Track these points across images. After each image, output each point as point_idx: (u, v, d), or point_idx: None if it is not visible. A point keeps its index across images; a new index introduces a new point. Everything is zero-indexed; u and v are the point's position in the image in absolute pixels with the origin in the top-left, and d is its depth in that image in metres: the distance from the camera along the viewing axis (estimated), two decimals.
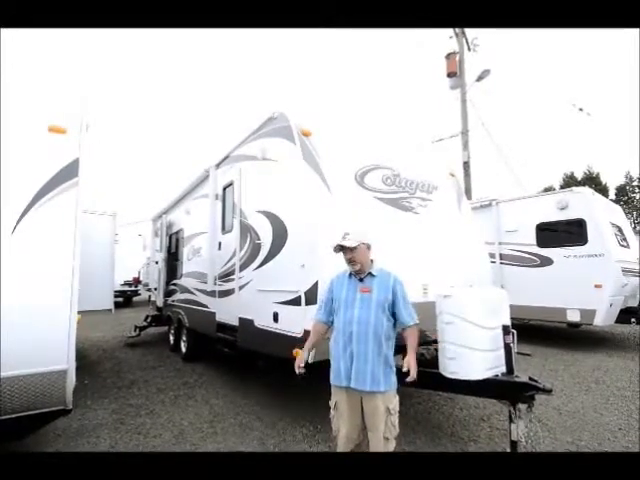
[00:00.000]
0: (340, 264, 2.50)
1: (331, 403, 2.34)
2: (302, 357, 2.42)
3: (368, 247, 2.37)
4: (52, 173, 2.66)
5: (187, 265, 6.55)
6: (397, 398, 2.27)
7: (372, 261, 2.39)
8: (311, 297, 3.02)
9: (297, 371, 2.39)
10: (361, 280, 2.33)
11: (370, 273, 2.33)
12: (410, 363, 2.21)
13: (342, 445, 2.27)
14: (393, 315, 2.28)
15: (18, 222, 2.51)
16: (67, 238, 2.65)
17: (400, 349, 2.40)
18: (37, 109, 2.78)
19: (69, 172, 2.71)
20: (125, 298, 14.99)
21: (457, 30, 11.64)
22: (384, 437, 2.16)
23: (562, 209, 6.90)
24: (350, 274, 2.38)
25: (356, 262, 2.30)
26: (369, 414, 2.20)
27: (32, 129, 2.67)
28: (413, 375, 2.19)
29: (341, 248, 2.34)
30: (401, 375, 2.26)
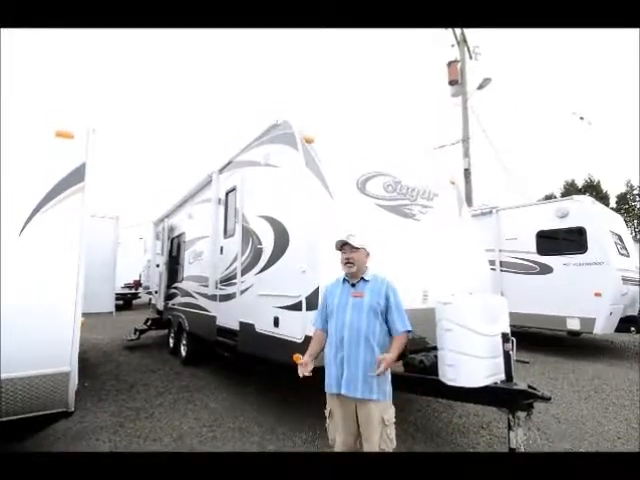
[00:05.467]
0: (340, 270, 2.52)
1: (326, 412, 2.30)
2: (307, 362, 2.26)
3: (367, 254, 2.36)
4: (59, 177, 2.70)
5: (188, 269, 6.57)
6: (393, 409, 2.20)
7: (367, 268, 2.37)
8: (312, 302, 3.04)
9: (301, 370, 2.23)
10: (353, 285, 2.30)
11: (362, 278, 2.30)
12: (385, 357, 2.06)
13: None
14: (386, 322, 2.23)
15: (25, 225, 2.55)
16: (73, 242, 2.68)
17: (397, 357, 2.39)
18: (45, 114, 2.83)
19: (76, 176, 2.75)
20: (125, 301, 14.98)
21: (459, 38, 11.76)
22: (380, 450, 2.08)
23: (562, 217, 6.92)
24: (344, 280, 2.35)
25: (353, 264, 2.26)
26: (363, 423, 2.13)
27: (40, 134, 2.72)
28: (380, 369, 2.01)
29: (342, 246, 2.32)
30: (396, 382, 2.23)
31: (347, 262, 2.28)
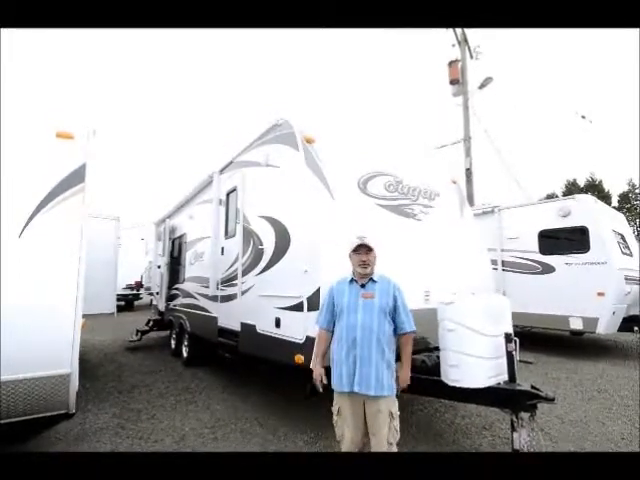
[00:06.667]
0: (342, 270, 2.52)
1: (334, 409, 2.35)
2: (319, 369, 2.38)
3: (375, 256, 2.41)
4: (59, 178, 2.70)
5: (189, 270, 6.56)
6: (397, 402, 2.29)
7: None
8: (313, 303, 3.03)
9: (318, 385, 2.36)
10: (362, 286, 2.35)
11: (371, 279, 2.36)
12: (402, 376, 2.33)
13: (346, 449, 2.28)
14: (393, 321, 2.31)
15: (25, 226, 2.54)
16: (73, 243, 2.68)
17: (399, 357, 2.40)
18: (45, 115, 2.82)
19: (76, 177, 2.75)
20: (127, 302, 14.99)
21: (459, 38, 11.75)
22: (387, 442, 2.18)
23: (564, 216, 6.89)
24: (351, 280, 2.39)
25: (368, 265, 2.33)
26: (372, 418, 2.21)
27: (40, 135, 2.71)
28: (402, 386, 2.34)
29: (358, 247, 2.36)
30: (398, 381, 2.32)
31: (363, 263, 2.34)
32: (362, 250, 2.35)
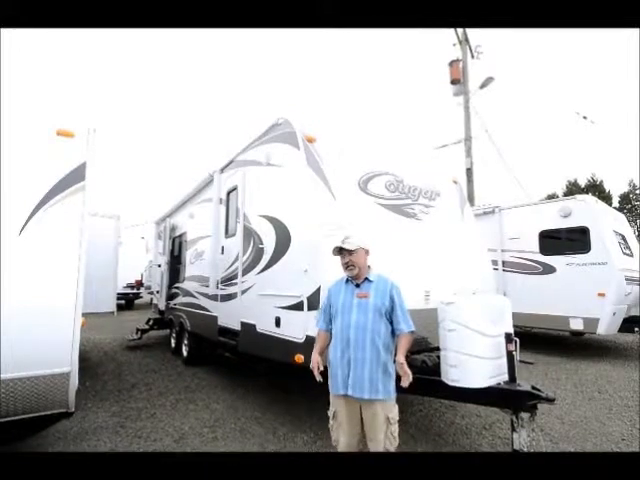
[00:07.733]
0: (342, 270, 2.51)
1: (330, 412, 2.30)
2: (316, 357, 2.31)
3: (366, 252, 2.35)
4: (60, 176, 2.69)
5: (190, 268, 6.56)
6: (396, 407, 2.22)
7: (369, 267, 2.37)
8: (313, 302, 3.03)
9: (316, 373, 2.27)
10: (358, 286, 2.30)
11: (367, 278, 2.31)
12: (398, 364, 2.10)
13: None
14: (390, 322, 2.24)
15: (25, 224, 2.53)
16: (73, 241, 2.67)
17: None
18: (45, 113, 2.82)
19: (76, 175, 2.74)
20: (127, 301, 15.01)
21: (460, 37, 11.72)
22: (385, 449, 2.12)
23: (565, 217, 6.89)
24: (347, 280, 2.36)
25: (354, 266, 2.28)
26: (368, 423, 2.15)
27: (41, 133, 2.71)
28: (407, 375, 2.06)
29: (339, 251, 2.33)
30: (398, 382, 2.21)
31: (348, 266, 2.30)
32: (344, 252, 2.30)
